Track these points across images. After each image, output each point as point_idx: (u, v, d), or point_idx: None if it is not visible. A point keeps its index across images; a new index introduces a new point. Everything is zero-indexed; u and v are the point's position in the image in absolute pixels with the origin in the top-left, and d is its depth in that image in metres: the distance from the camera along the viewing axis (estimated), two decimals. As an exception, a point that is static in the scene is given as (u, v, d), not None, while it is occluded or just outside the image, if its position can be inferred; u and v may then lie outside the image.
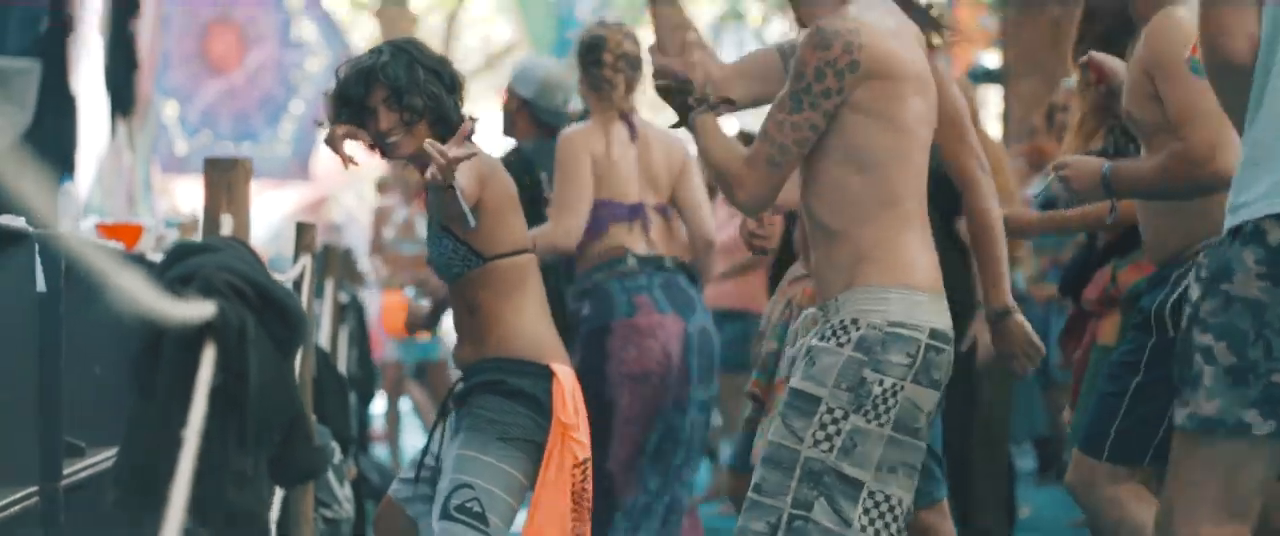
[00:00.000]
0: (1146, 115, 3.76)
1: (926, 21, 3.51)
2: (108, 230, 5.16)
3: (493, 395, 3.98)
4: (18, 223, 3.72)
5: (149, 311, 2.21)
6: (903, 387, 3.26)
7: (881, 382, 3.26)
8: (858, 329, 3.28)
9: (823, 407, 3.27)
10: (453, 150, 3.62)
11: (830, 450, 3.26)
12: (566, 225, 5.19)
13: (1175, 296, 3.75)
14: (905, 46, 3.35)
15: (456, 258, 3.99)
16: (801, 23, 4.34)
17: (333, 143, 3.97)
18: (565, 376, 4.01)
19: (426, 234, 4.13)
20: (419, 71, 3.95)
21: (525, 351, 4.01)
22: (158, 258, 4.08)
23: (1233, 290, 2.92)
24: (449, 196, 3.78)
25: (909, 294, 3.29)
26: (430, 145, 3.60)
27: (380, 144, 3.98)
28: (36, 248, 3.82)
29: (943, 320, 3.33)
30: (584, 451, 4.00)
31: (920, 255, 3.34)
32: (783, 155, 3.33)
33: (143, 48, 9.05)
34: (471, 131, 3.85)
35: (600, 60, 5.39)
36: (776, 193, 3.40)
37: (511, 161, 5.56)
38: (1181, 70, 3.62)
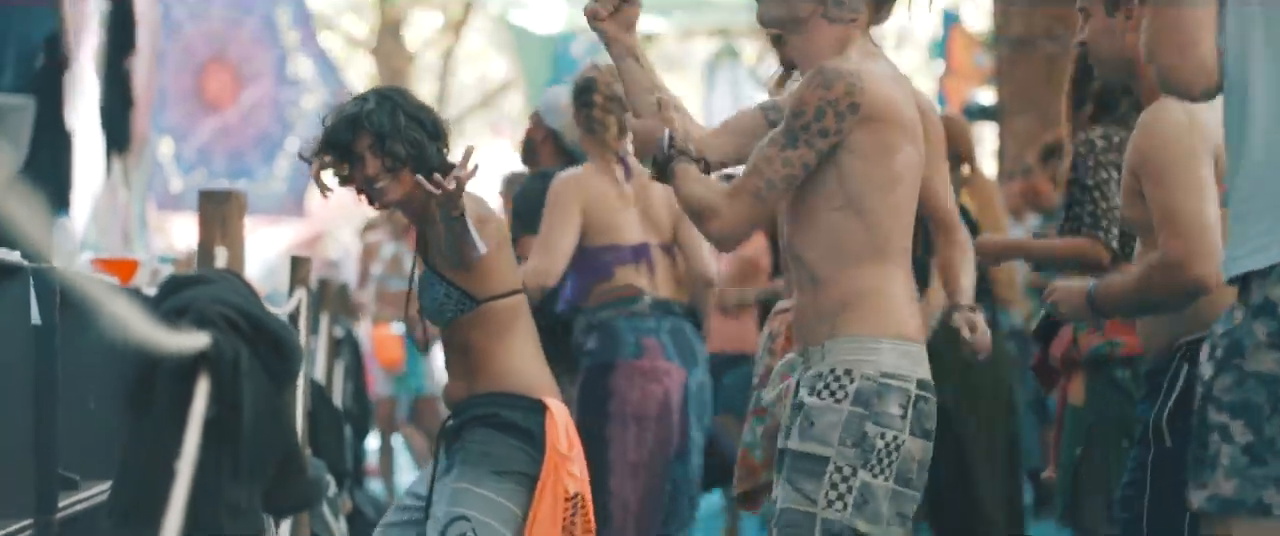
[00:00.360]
0: (1135, 214, 3.67)
1: None
2: (103, 265, 5.17)
3: (486, 428, 3.99)
4: (13, 256, 3.73)
5: (143, 343, 2.22)
6: (904, 440, 3.25)
7: (883, 436, 3.24)
8: (852, 381, 3.25)
9: (831, 467, 3.24)
10: (459, 172, 3.66)
11: (845, 508, 3.24)
12: (543, 266, 5.18)
13: (1170, 405, 3.63)
14: (902, 93, 3.35)
15: (449, 303, 4.00)
16: (786, 63, 4.36)
17: (310, 170, 4.01)
18: (558, 410, 4.02)
19: (417, 282, 4.14)
20: (401, 118, 3.98)
21: (518, 387, 4.02)
22: (152, 293, 4.09)
23: (1246, 365, 2.77)
24: (459, 226, 3.80)
25: (897, 344, 3.27)
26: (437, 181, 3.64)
27: (368, 190, 4.00)
28: (31, 281, 3.83)
29: (926, 370, 3.32)
30: (577, 485, 4.00)
31: (906, 303, 3.32)
32: (769, 190, 3.27)
33: (138, 85, 9.07)
34: (474, 164, 3.85)
35: (591, 101, 5.41)
36: (751, 230, 3.35)
37: (537, 187, 5.57)
38: (1164, 170, 3.55)
